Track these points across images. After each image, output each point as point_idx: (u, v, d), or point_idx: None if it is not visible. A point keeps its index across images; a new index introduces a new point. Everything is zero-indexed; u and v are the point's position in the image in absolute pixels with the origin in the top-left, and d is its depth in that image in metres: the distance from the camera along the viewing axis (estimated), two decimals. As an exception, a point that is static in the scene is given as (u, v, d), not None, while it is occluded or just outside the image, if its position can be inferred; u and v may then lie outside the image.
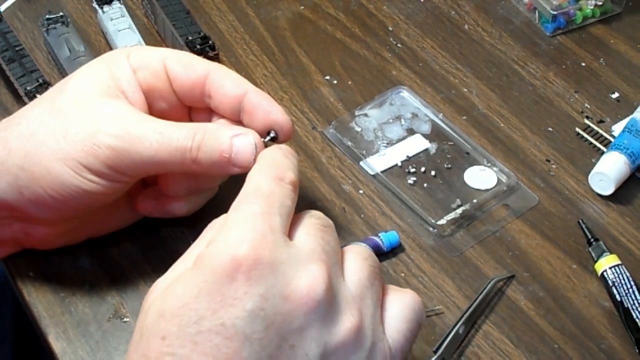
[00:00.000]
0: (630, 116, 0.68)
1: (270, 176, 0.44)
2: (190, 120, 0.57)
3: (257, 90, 0.54)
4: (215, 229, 0.43)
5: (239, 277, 0.38)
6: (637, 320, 0.55)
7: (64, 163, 0.49)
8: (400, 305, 0.43)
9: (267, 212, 0.41)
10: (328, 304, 0.39)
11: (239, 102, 0.53)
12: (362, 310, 0.41)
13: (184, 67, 0.54)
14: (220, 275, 0.38)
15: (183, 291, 0.38)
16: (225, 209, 0.43)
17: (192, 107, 0.56)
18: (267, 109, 0.53)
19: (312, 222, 0.43)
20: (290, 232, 0.42)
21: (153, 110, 0.54)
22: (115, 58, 0.53)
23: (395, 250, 0.60)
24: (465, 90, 0.72)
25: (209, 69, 0.54)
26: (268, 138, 0.53)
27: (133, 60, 0.53)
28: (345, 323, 0.39)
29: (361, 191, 0.64)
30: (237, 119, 0.54)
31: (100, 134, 0.49)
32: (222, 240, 0.39)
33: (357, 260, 0.43)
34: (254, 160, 0.49)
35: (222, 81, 0.53)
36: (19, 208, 0.51)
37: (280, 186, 0.43)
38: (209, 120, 0.56)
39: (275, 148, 0.48)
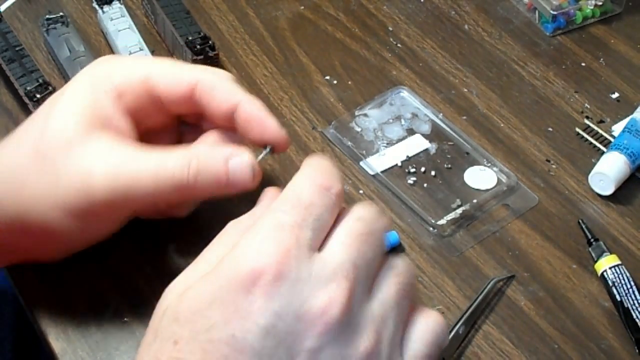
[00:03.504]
0: (630, 116, 0.68)
1: (316, 184, 0.41)
2: (181, 130, 0.55)
3: (250, 100, 0.51)
4: (239, 230, 0.41)
5: (256, 291, 0.37)
6: (637, 320, 0.55)
7: (61, 212, 0.47)
8: (424, 329, 0.41)
9: (299, 225, 0.39)
10: (344, 326, 0.37)
11: (231, 112, 0.51)
12: (382, 332, 0.39)
13: (170, 80, 0.51)
14: (237, 285, 0.37)
15: (199, 296, 0.38)
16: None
17: (182, 115, 0.54)
18: (262, 123, 0.50)
19: (353, 228, 0.40)
20: (326, 237, 0.40)
21: (141, 128, 0.52)
22: (96, 82, 0.50)
23: (395, 250, 0.60)
24: (465, 90, 0.72)
25: (197, 79, 0.51)
26: (264, 153, 0.51)
27: (116, 82, 0.50)
28: (361, 346, 0.38)
29: (361, 191, 0.64)
30: (230, 127, 0.52)
31: (93, 177, 0.47)
32: (245, 248, 0.38)
33: (390, 276, 0.41)
34: (254, 180, 0.48)
35: (213, 92, 0.51)
36: (18, 250, 0.51)
37: (323, 196, 0.40)
38: (201, 129, 0.54)
39: (323, 156, 0.45)
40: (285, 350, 0.36)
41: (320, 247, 0.40)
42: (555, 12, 0.76)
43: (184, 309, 0.38)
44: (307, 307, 0.37)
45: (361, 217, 0.41)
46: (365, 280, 0.39)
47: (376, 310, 0.39)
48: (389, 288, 0.40)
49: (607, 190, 0.63)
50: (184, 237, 0.59)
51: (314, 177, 0.42)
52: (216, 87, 0.51)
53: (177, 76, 0.51)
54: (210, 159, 0.48)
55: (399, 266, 0.42)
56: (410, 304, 0.41)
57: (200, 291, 0.38)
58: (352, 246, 0.39)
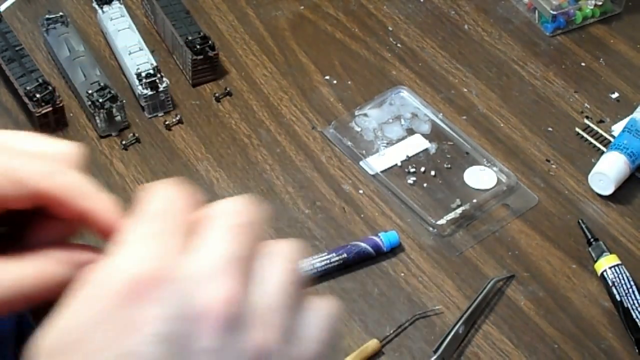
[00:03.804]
0: (630, 116, 0.68)
1: (165, 196, 0.39)
2: None
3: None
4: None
5: (136, 300, 0.35)
6: (637, 320, 0.55)
7: None
8: (318, 313, 0.41)
9: (164, 231, 0.38)
10: (234, 320, 0.37)
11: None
12: (274, 320, 0.38)
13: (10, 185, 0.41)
14: (114, 299, 0.35)
15: (77, 323, 0.35)
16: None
17: None
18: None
19: (227, 223, 0.39)
20: (199, 238, 0.39)
21: None
22: None
23: (395, 250, 0.60)
24: (465, 90, 0.72)
25: (46, 189, 0.41)
26: None
27: None
28: (256, 337, 0.37)
29: (361, 191, 0.64)
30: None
31: None
32: (116, 260, 0.36)
33: (276, 264, 0.40)
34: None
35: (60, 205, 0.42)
36: None
37: (178, 204, 0.39)
38: None
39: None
40: (182, 353, 0.36)
41: (196, 246, 0.38)
42: (555, 12, 0.76)
43: (65, 342, 0.35)
44: (194, 305, 0.36)
45: (232, 211, 0.39)
46: (248, 273, 0.38)
47: (266, 300, 0.38)
48: (278, 277, 0.39)
49: (607, 190, 0.63)
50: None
51: (164, 191, 0.40)
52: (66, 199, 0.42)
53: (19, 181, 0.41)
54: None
55: (284, 252, 0.40)
56: (302, 292, 0.40)
57: (78, 317, 0.36)
58: (229, 239, 0.38)
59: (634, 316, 0.55)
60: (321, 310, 0.40)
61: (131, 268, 0.36)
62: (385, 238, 0.59)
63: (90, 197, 0.43)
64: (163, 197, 0.39)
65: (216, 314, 0.36)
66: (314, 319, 0.39)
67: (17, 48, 0.68)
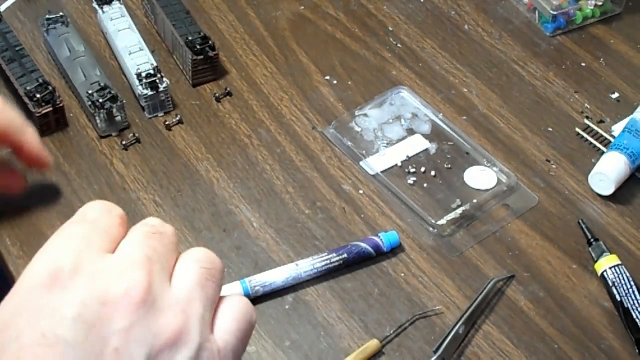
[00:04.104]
0: (630, 116, 0.68)
1: (97, 208, 0.43)
2: None
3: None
4: None
5: (57, 287, 0.39)
6: (637, 320, 0.55)
7: None
8: (230, 308, 0.44)
9: (89, 233, 0.42)
10: (149, 307, 0.40)
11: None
12: (188, 312, 0.41)
13: None
14: (37, 288, 0.39)
15: (3, 312, 0.39)
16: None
17: None
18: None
19: (141, 231, 0.43)
20: (116, 246, 0.43)
21: None
22: None
23: (395, 250, 0.60)
24: (465, 90, 0.72)
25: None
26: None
27: None
28: (169, 325, 0.40)
29: (361, 191, 0.64)
30: None
31: None
32: (38, 256, 0.40)
33: (188, 264, 0.43)
34: None
35: None
36: None
37: (107, 215, 0.43)
38: None
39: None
40: (97, 336, 0.38)
41: (116, 249, 0.42)
42: (555, 12, 0.76)
43: None
44: (109, 292, 0.39)
45: (148, 222, 0.44)
46: (161, 271, 0.42)
47: (179, 293, 0.42)
48: (190, 274, 0.43)
49: (607, 190, 0.63)
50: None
51: (94, 204, 0.44)
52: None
53: None
54: None
55: (198, 254, 0.44)
56: (216, 287, 0.44)
57: (6, 306, 0.39)
58: (143, 244, 0.42)
59: (634, 316, 0.55)
60: (236, 307, 0.44)
61: (53, 261, 0.40)
62: (385, 238, 0.59)
63: (24, 131, 0.55)
64: (95, 209, 0.43)
65: (130, 299, 0.39)
66: (228, 315, 0.44)
67: (17, 48, 0.68)
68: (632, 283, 0.57)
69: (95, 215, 0.43)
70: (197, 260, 0.44)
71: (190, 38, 0.70)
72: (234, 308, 0.44)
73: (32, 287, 0.39)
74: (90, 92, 0.65)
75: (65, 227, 0.42)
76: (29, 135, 0.61)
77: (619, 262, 0.58)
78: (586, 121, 0.70)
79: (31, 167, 0.63)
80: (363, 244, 0.58)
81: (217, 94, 0.70)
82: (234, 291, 0.55)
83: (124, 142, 0.66)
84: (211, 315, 0.43)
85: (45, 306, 0.38)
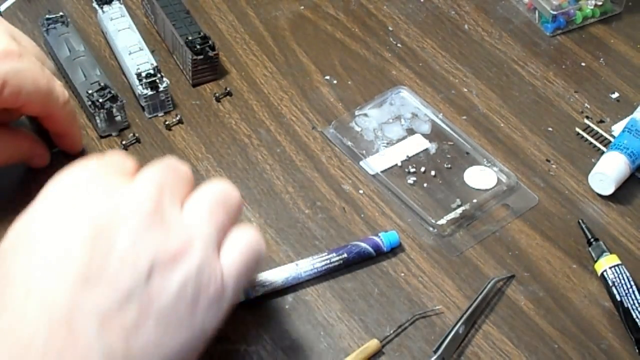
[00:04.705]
0: (630, 116, 0.68)
1: (116, 154, 0.49)
2: None
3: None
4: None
5: (80, 191, 0.44)
6: (637, 320, 0.55)
7: None
8: (239, 240, 0.46)
9: (108, 163, 0.47)
10: (157, 222, 0.43)
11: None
12: (193, 234, 0.44)
13: None
14: (60, 202, 0.43)
15: (27, 225, 0.43)
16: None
17: None
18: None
19: (156, 166, 0.47)
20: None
21: None
22: None
23: (395, 250, 0.60)
24: (465, 90, 0.72)
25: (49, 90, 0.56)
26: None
27: None
28: (173, 242, 0.43)
29: (361, 191, 0.64)
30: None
31: None
32: (68, 171, 0.45)
33: (201, 194, 0.46)
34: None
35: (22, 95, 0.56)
36: None
37: (124, 157, 0.48)
38: None
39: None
40: (105, 240, 0.42)
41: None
42: (555, 12, 0.76)
43: (15, 241, 0.43)
44: (121, 204, 0.43)
45: (165, 160, 0.48)
46: (172, 196, 0.45)
47: (188, 217, 0.45)
48: (201, 202, 0.46)
49: (607, 190, 0.63)
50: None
51: (113, 153, 0.50)
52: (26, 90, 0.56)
53: None
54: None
55: (214, 186, 0.47)
56: (227, 217, 0.46)
57: (29, 220, 0.43)
58: (158, 173, 0.46)
59: (634, 316, 0.55)
60: (244, 238, 0.47)
61: (71, 179, 0.45)
62: (385, 238, 0.59)
63: (65, 107, 0.59)
64: (114, 154, 0.48)
65: (138, 211, 0.43)
66: (236, 245, 0.46)
67: (17, 48, 0.68)
68: (632, 283, 0.57)
69: (113, 156, 0.48)
70: (211, 192, 0.47)
71: (190, 38, 0.70)
72: (243, 240, 0.46)
73: (53, 203, 0.44)
74: (90, 92, 0.65)
75: (97, 159, 0.47)
76: (70, 112, 0.61)
77: (619, 262, 0.58)
78: (586, 121, 0.70)
79: (60, 143, 0.63)
80: (363, 244, 0.58)
81: (217, 94, 0.70)
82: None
83: (124, 142, 0.66)
84: (218, 242, 0.45)
85: (61, 223, 0.42)
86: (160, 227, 0.43)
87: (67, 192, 0.44)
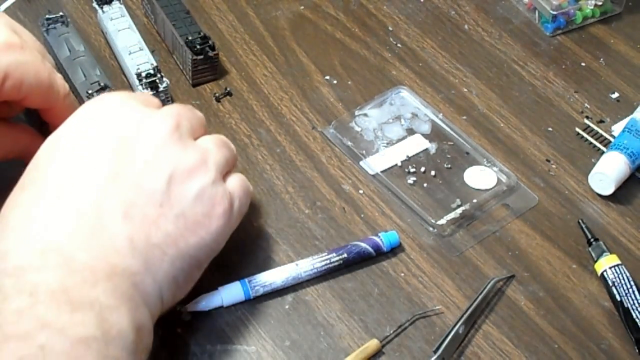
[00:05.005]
0: (630, 116, 0.68)
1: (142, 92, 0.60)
2: None
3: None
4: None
5: (109, 111, 0.51)
6: (637, 320, 0.55)
7: None
8: (236, 177, 0.54)
9: (133, 96, 0.53)
10: (176, 138, 0.50)
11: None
12: (207, 157, 0.51)
13: None
14: (85, 120, 0.50)
15: (58, 138, 0.51)
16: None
17: None
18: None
19: (178, 105, 0.53)
20: None
21: None
22: None
23: (395, 250, 0.60)
24: (465, 90, 0.72)
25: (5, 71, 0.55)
26: None
27: None
28: (191, 157, 0.50)
29: (361, 191, 0.64)
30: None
31: None
32: (97, 97, 0.53)
33: (210, 135, 0.54)
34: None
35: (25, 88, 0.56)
36: None
37: (151, 96, 0.55)
38: None
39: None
40: (131, 148, 0.49)
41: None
42: (555, 12, 0.76)
43: (50, 149, 0.50)
44: (145, 121, 0.50)
45: (182, 104, 0.54)
46: (188, 129, 0.52)
47: (201, 144, 0.52)
48: (210, 138, 0.53)
49: (607, 190, 0.64)
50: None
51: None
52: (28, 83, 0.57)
53: None
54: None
55: (216, 135, 0.54)
56: (230, 156, 0.54)
57: (61, 134, 0.50)
58: (175, 110, 0.52)
59: (634, 316, 0.55)
60: (240, 178, 0.54)
61: (101, 102, 0.51)
62: (385, 238, 0.59)
63: (66, 99, 0.60)
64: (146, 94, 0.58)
65: (161, 127, 0.50)
66: (235, 180, 0.53)
67: (17, 48, 0.68)
68: (632, 283, 0.57)
69: (142, 93, 0.57)
70: (215, 136, 0.54)
71: (190, 38, 0.70)
72: (239, 178, 0.54)
73: (81, 120, 0.50)
74: (90, 92, 0.65)
75: (121, 92, 0.54)
76: (70, 105, 0.60)
77: (619, 262, 0.58)
78: (586, 121, 0.70)
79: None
80: (363, 244, 0.58)
81: (217, 94, 0.70)
82: (233, 292, 0.55)
83: (124, 142, 0.66)
84: (223, 172, 0.53)
85: (85, 136, 0.49)
86: (179, 145, 0.50)
87: (97, 111, 0.50)
